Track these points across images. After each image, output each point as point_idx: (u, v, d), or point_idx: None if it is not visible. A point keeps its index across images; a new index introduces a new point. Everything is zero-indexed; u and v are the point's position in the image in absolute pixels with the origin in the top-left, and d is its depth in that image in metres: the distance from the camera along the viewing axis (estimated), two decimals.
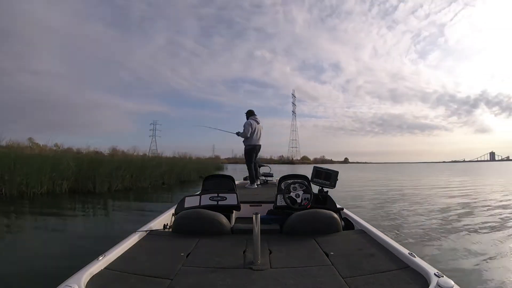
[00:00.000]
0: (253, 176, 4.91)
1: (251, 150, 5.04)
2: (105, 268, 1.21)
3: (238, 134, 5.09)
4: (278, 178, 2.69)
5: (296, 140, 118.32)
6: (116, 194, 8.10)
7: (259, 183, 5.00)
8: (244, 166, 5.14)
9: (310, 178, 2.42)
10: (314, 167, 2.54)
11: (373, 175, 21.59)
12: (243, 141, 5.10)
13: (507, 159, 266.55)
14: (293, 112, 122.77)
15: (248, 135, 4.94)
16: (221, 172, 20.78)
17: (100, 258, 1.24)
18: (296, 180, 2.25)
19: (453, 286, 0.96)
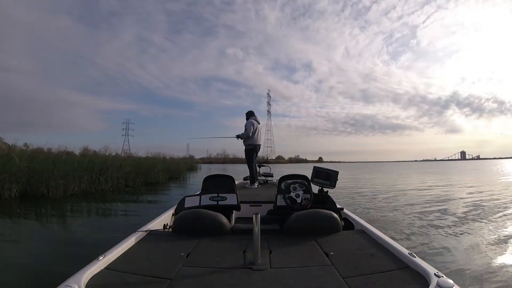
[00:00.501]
0: (253, 176, 4.90)
1: (252, 150, 5.03)
2: (105, 268, 1.21)
3: (238, 136, 5.06)
4: (278, 178, 2.70)
5: (271, 139, 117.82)
6: (71, 199, 7.10)
7: (257, 184, 4.97)
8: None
9: (310, 178, 2.43)
10: (314, 167, 2.55)
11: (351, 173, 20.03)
12: (243, 141, 5.08)
13: (477, 158, 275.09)
14: (268, 111, 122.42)
15: (250, 135, 4.93)
16: (194, 172, 19.94)
17: (100, 258, 1.23)
18: (296, 180, 2.26)
19: (453, 286, 0.97)
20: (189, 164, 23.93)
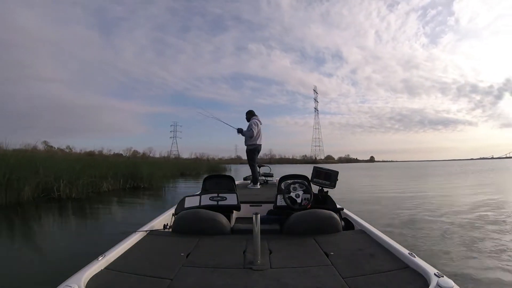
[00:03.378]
0: (256, 176, 4.91)
1: (254, 150, 5.04)
2: (105, 268, 1.21)
3: (241, 132, 5.01)
4: (278, 178, 2.70)
5: (319, 138, 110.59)
6: None
7: (259, 184, 4.98)
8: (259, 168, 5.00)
9: (310, 178, 2.42)
10: (314, 167, 2.54)
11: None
12: (245, 142, 5.08)
13: None
14: (316, 109, 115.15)
15: (254, 135, 4.91)
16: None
17: (100, 258, 1.24)
18: (296, 180, 2.25)
19: (453, 286, 0.96)
20: (213, 166, 20.12)
